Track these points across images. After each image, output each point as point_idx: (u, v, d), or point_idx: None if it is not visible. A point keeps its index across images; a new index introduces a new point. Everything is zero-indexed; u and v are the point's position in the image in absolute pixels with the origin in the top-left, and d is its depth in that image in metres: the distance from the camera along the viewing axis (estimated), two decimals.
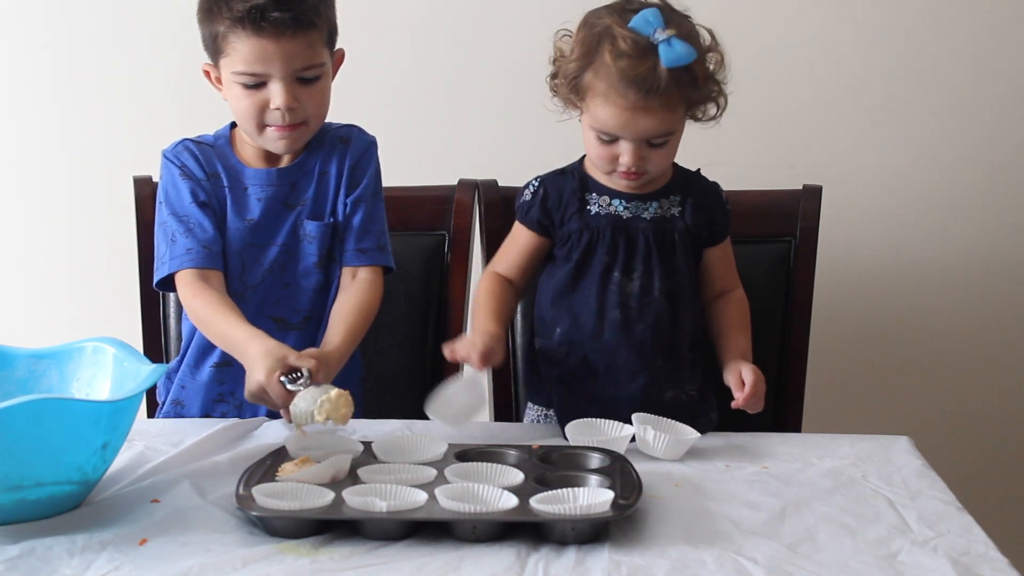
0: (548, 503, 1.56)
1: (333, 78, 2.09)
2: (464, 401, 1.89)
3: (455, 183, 2.37)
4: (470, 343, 1.94)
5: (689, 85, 1.94)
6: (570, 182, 2.06)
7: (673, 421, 1.90)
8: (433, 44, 2.75)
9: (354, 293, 2.06)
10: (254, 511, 1.54)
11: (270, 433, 1.91)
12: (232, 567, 1.44)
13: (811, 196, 2.35)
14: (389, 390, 2.34)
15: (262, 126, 2.02)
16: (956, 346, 2.83)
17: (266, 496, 1.56)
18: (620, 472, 1.69)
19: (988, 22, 2.74)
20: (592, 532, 1.52)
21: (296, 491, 1.58)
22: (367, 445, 1.77)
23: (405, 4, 2.75)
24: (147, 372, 1.68)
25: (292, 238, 2.08)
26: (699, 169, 2.10)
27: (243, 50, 1.97)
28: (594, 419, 1.91)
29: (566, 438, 1.89)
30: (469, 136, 2.76)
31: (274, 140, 2.04)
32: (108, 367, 1.77)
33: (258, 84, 1.99)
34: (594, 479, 1.67)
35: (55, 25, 2.75)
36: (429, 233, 2.37)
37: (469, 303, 2.37)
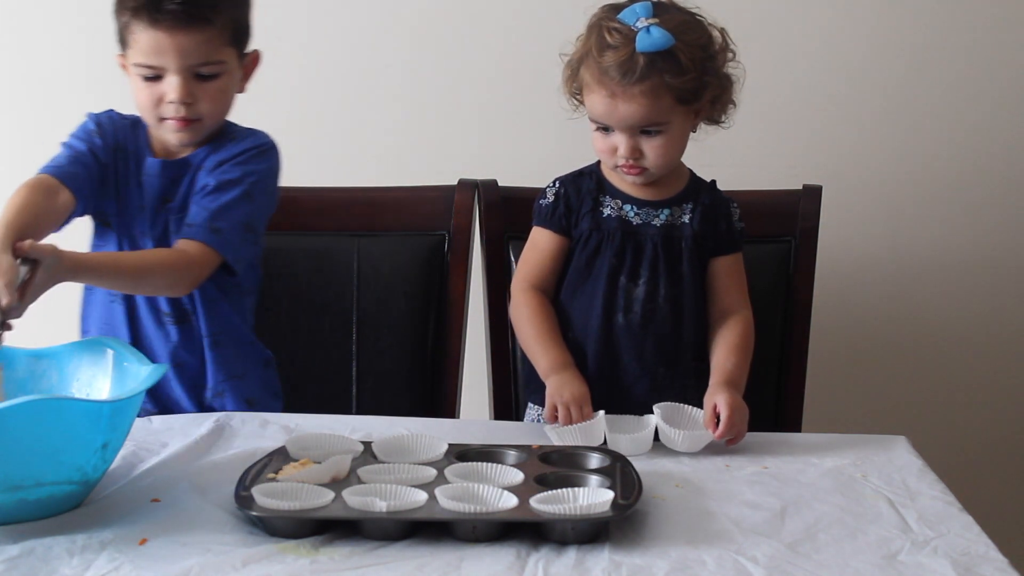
0: (548, 503, 1.56)
1: (247, 80, 2.09)
2: (585, 438, 1.88)
3: (455, 183, 2.37)
4: (566, 401, 1.91)
5: (670, 72, 1.95)
6: (588, 182, 2.08)
7: (694, 409, 1.91)
8: (433, 44, 2.75)
9: (158, 249, 2.04)
10: (254, 511, 1.54)
11: (270, 433, 1.91)
12: (232, 567, 1.44)
13: (811, 196, 2.35)
14: (389, 390, 2.34)
15: (160, 118, 2.03)
16: (956, 346, 2.83)
17: (266, 496, 1.56)
18: (620, 472, 1.68)
19: (988, 22, 2.74)
20: (592, 532, 1.52)
21: (296, 491, 1.58)
22: (367, 445, 1.77)
23: (405, 4, 2.75)
24: (147, 372, 1.68)
25: (163, 233, 2.07)
26: (714, 181, 2.11)
27: (142, 41, 1.99)
28: (619, 415, 1.92)
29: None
30: (469, 136, 2.76)
31: (171, 132, 2.04)
32: (108, 367, 1.77)
33: (156, 76, 2.00)
34: (594, 479, 1.67)
35: (53, 21, 2.75)
36: (429, 233, 2.37)
37: (469, 304, 2.37)
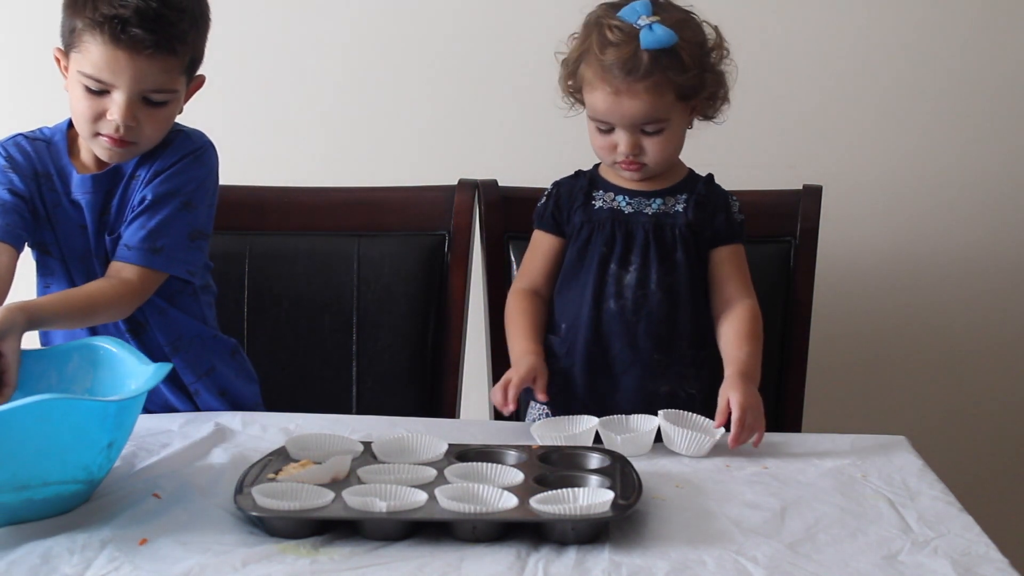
0: (548, 503, 1.56)
1: (186, 102, 2.02)
2: (569, 443, 1.88)
3: (455, 183, 2.37)
4: (509, 375, 1.94)
5: (673, 69, 1.97)
6: (581, 182, 2.10)
7: (698, 416, 1.90)
8: (433, 44, 2.75)
9: (100, 281, 1.95)
10: (254, 511, 1.54)
11: (270, 434, 1.92)
12: (232, 567, 1.44)
13: (811, 196, 2.35)
14: (389, 390, 2.34)
15: (95, 133, 1.95)
16: (956, 346, 2.83)
17: (266, 496, 1.56)
18: (620, 472, 1.69)
19: (987, 22, 2.74)
20: (592, 532, 1.52)
21: (296, 491, 1.58)
22: (367, 445, 1.77)
23: (406, 4, 2.75)
24: (148, 372, 1.68)
25: (107, 253, 2.01)
26: (711, 175, 2.11)
27: (95, 53, 1.89)
28: (621, 416, 1.91)
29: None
30: (469, 136, 2.76)
31: (103, 149, 1.96)
32: (108, 367, 1.77)
33: (101, 91, 1.91)
34: (594, 479, 1.67)
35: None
36: (429, 233, 2.37)
37: (469, 303, 2.38)
